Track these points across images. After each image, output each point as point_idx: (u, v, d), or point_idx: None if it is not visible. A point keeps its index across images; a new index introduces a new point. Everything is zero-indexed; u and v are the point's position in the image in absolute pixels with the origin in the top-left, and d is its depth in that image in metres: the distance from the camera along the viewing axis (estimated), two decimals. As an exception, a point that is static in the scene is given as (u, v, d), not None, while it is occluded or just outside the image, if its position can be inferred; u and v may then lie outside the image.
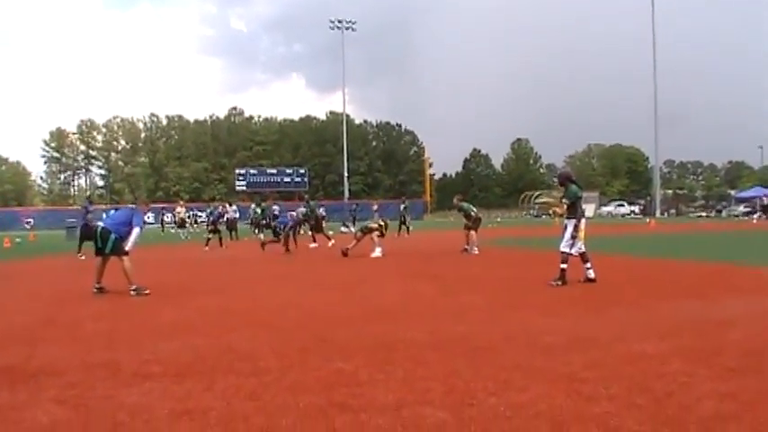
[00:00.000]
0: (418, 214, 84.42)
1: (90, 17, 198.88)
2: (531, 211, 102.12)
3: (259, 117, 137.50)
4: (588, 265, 13.98)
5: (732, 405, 5.40)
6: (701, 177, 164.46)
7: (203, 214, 49.69)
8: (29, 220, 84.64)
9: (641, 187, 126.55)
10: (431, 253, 24.81)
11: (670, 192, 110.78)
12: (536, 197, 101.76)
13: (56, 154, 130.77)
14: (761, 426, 4.89)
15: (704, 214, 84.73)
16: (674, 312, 10.25)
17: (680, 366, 6.66)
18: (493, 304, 11.53)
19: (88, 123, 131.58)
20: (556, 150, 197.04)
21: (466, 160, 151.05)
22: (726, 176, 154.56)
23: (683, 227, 50.57)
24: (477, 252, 22.80)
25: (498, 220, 76.37)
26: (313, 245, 29.02)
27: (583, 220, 14.01)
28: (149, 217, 59.76)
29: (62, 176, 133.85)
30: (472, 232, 23.47)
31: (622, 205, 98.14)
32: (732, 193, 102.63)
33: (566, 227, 13.95)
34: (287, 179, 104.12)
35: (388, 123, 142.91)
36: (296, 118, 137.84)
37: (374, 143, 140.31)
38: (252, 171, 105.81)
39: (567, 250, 13.67)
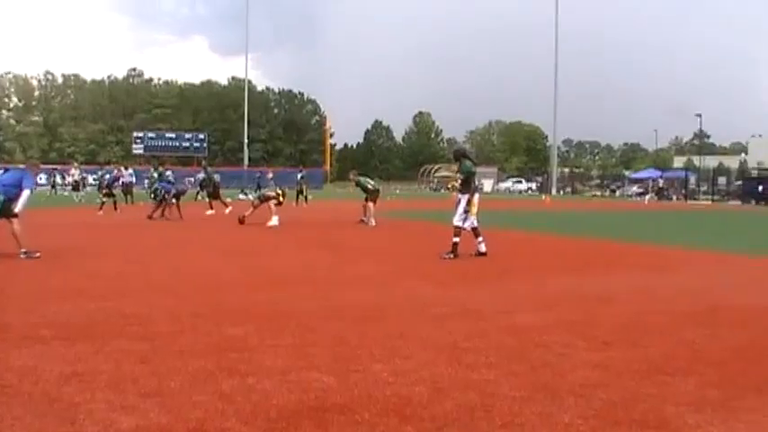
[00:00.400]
0: (318, 184, 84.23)
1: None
2: (431, 185, 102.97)
3: (159, 79, 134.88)
4: (480, 239, 14.34)
5: (602, 374, 5.74)
6: (597, 157, 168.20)
7: (92, 177, 48.34)
8: None
9: (539, 165, 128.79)
10: (328, 223, 24.98)
11: (567, 170, 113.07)
12: (436, 171, 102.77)
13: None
14: (626, 392, 5.21)
15: (598, 193, 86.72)
16: (558, 286, 10.69)
17: (559, 338, 6.99)
18: (386, 275, 11.81)
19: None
20: (457, 125, 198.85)
21: (367, 131, 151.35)
22: (622, 158, 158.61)
23: (576, 205, 52.02)
24: (374, 223, 23.04)
25: (397, 192, 76.76)
26: (210, 211, 28.83)
27: (476, 195, 14.34)
28: (41, 178, 58.11)
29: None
30: (369, 203, 23.68)
31: (520, 182, 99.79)
32: (627, 173, 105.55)
33: (459, 201, 14.25)
34: (186, 144, 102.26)
35: (290, 91, 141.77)
36: (197, 82, 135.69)
37: (276, 111, 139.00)
38: (150, 134, 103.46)
39: (459, 224, 13.97)
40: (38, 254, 13.15)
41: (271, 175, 26.59)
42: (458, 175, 14.50)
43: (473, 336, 7.01)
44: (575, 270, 12.82)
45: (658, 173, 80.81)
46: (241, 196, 27.03)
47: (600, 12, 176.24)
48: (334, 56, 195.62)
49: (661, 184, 69.22)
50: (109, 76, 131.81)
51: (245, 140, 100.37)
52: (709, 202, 61.83)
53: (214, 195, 30.38)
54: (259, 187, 32.68)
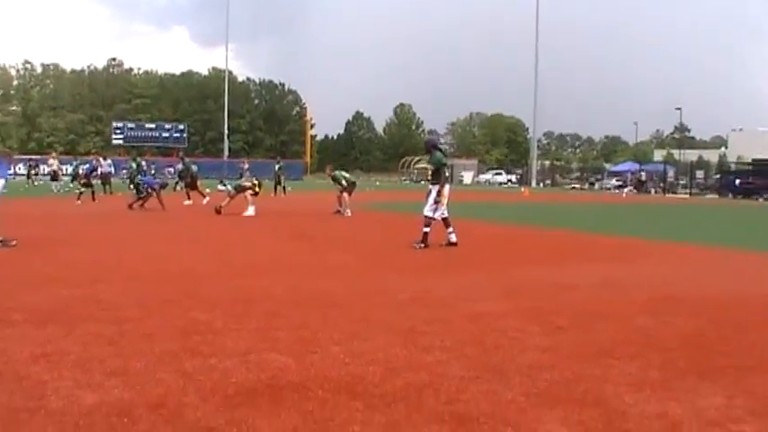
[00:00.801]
0: (298, 175, 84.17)
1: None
2: (412, 176, 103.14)
3: (139, 69, 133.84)
4: (450, 229, 14.60)
5: (551, 356, 6.01)
6: (578, 150, 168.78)
7: (68, 167, 48.07)
8: None
9: (520, 157, 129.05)
10: (304, 214, 25.20)
11: (548, 162, 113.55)
12: (416, 162, 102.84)
13: None
14: (571, 373, 5.48)
15: (578, 186, 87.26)
16: (524, 276, 10.99)
17: (515, 323, 7.26)
18: (356, 264, 12.09)
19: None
20: (438, 117, 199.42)
21: (348, 122, 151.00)
22: (602, 150, 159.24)
23: (555, 197, 52.44)
24: (349, 214, 23.27)
25: (377, 183, 76.96)
26: (188, 202, 28.95)
27: (447, 186, 14.58)
28: (20, 168, 57.92)
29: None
30: (345, 194, 23.91)
31: (500, 174, 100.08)
32: (606, 166, 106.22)
33: (429, 192, 14.51)
34: (165, 134, 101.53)
35: (271, 82, 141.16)
36: (177, 72, 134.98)
37: (257, 101, 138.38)
38: (129, 125, 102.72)
39: (429, 214, 14.23)
40: (14, 242, 13.22)
41: (246, 166, 26.64)
42: (429, 165, 14.74)
43: (432, 321, 7.26)
44: (542, 261, 13.11)
45: (637, 166, 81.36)
46: (220, 187, 27.09)
47: (582, 3, 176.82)
48: (314, 47, 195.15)
49: (643, 178, 69.73)
50: (89, 66, 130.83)
51: (226, 131, 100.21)
52: (687, 196, 62.32)
53: (192, 186, 30.50)
54: (242, 177, 32.81)
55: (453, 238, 14.55)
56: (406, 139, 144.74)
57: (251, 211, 22.42)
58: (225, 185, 25.37)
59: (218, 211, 22.39)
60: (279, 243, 15.54)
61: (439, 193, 14.33)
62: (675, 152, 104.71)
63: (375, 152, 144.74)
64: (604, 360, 5.93)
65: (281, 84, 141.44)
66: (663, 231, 21.58)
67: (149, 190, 25.56)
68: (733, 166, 76.30)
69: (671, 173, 78.62)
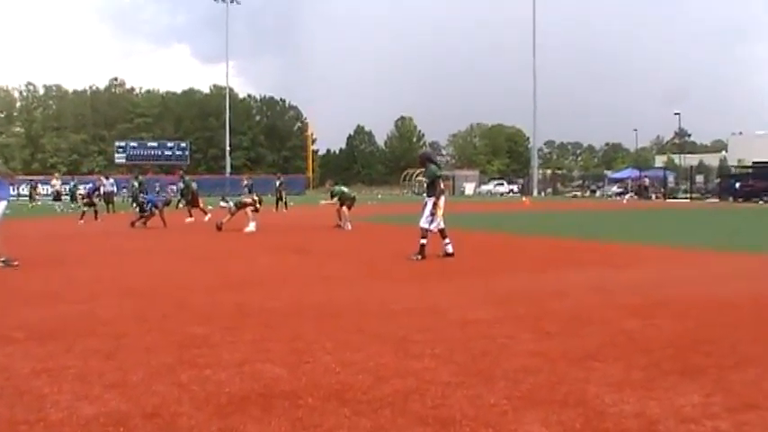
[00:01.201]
0: (300, 190, 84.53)
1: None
2: (413, 189, 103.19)
3: (141, 89, 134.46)
4: (447, 240, 14.78)
5: (538, 361, 6.15)
6: (580, 158, 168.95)
7: (66, 187, 48.15)
8: None
9: (521, 166, 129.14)
10: (305, 228, 25.41)
11: (549, 171, 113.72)
12: (417, 175, 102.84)
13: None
14: (554, 377, 5.64)
15: (579, 194, 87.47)
16: (516, 284, 11.17)
17: (505, 330, 7.41)
18: (353, 276, 12.29)
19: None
20: (440, 129, 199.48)
21: (350, 137, 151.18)
22: (603, 158, 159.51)
23: (556, 205, 52.60)
24: (350, 228, 23.43)
25: (379, 197, 77.27)
26: (189, 219, 29.12)
27: (442, 198, 14.75)
28: (23, 189, 58.13)
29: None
30: (344, 208, 24.08)
31: (502, 184, 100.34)
32: (607, 173, 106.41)
33: (425, 204, 14.70)
34: (168, 152, 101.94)
35: (272, 98, 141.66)
36: (179, 90, 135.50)
37: (258, 118, 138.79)
38: (132, 144, 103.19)
39: (426, 226, 14.42)
40: (16, 262, 13.39)
41: (245, 182, 26.80)
42: (424, 178, 14.93)
43: (423, 329, 7.42)
44: (536, 269, 13.26)
45: (637, 172, 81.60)
46: (222, 204, 27.32)
47: (582, 11, 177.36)
48: (315, 62, 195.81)
49: (647, 183, 69.99)
50: (91, 87, 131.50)
51: (227, 148, 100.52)
52: (688, 201, 62.45)
53: (193, 203, 30.69)
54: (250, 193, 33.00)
55: (450, 248, 14.72)
56: (407, 152, 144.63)
57: (252, 227, 22.59)
58: (227, 202, 25.58)
59: (219, 228, 22.56)
60: (278, 257, 15.72)
61: (435, 206, 14.50)
62: (676, 157, 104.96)
63: (377, 165, 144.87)
64: (589, 363, 6.07)
65: (281, 100, 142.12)
66: (659, 236, 21.76)
67: (152, 209, 25.77)
68: (733, 170, 76.45)
69: (671, 178, 78.83)
